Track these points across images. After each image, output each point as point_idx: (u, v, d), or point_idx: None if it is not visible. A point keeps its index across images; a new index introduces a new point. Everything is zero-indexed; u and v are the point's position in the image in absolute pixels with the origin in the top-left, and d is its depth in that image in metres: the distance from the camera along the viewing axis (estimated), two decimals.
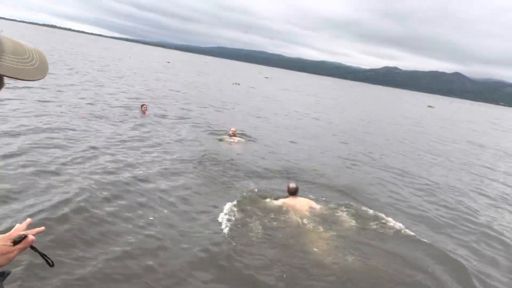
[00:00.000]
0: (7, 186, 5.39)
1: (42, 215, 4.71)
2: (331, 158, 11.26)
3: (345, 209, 6.44)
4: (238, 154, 9.62)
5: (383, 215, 6.38)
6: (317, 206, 6.23)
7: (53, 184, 5.73)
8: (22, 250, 1.27)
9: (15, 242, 1.25)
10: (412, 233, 5.86)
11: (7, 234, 1.29)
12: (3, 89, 0.91)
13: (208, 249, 4.60)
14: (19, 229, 1.33)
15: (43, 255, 1.36)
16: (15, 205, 4.89)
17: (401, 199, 8.08)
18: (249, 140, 11.75)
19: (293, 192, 6.25)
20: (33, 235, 1.31)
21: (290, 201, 6.16)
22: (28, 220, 1.39)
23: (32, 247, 1.31)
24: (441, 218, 7.28)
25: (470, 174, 12.22)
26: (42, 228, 1.41)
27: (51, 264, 1.36)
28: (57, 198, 5.25)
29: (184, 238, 4.81)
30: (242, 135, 12.13)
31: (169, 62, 67.42)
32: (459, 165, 13.45)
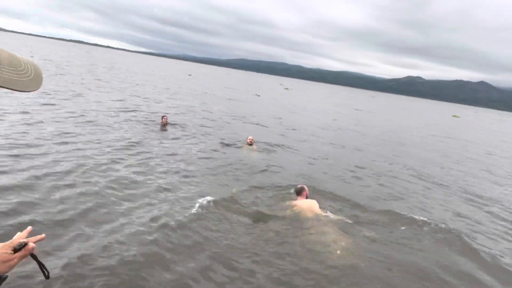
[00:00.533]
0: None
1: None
2: (348, 167, 11.06)
3: (357, 217, 6.53)
4: (254, 162, 9.77)
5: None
6: (319, 210, 6.20)
7: (65, 190, 5.86)
8: (22, 258, 1.28)
9: (16, 249, 1.26)
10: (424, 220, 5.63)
11: (9, 242, 1.30)
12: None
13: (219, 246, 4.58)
14: (20, 237, 1.35)
15: (41, 265, 1.37)
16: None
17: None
18: (267, 149, 11.85)
19: (298, 193, 6.50)
20: (34, 242, 1.32)
21: (296, 201, 6.39)
22: (29, 228, 1.41)
23: (32, 255, 1.32)
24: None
25: None
26: (43, 235, 1.41)
27: (47, 276, 1.37)
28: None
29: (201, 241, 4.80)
30: (265, 144, 12.33)
31: (190, 75, 68.59)
32: None
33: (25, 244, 1.28)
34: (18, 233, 1.37)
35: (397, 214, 6.93)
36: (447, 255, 5.59)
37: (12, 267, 1.25)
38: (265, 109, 25.51)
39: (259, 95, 39.48)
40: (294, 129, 17.56)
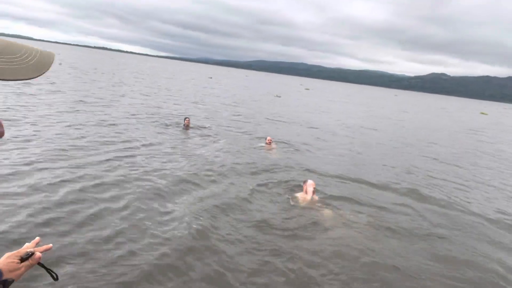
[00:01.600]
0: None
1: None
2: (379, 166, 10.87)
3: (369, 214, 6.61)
4: (272, 161, 9.90)
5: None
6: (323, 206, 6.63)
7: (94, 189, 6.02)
8: (30, 267, 1.31)
9: (23, 259, 1.30)
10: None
11: (16, 251, 1.33)
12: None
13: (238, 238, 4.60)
14: (28, 247, 1.37)
15: (48, 270, 1.40)
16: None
17: None
18: (287, 149, 11.88)
19: (306, 186, 6.83)
20: (41, 252, 1.36)
21: (302, 195, 6.82)
22: (37, 238, 1.44)
23: (39, 263, 1.35)
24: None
25: None
26: (50, 245, 1.44)
27: (55, 278, 1.41)
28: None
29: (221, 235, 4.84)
30: (286, 144, 12.40)
31: (211, 78, 69.26)
32: None
33: (32, 253, 1.32)
34: (26, 244, 1.40)
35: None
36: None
37: (19, 276, 1.28)
38: (287, 110, 25.43)
39: (279, 96, 39.41)
40: (315, 129, 17.42)
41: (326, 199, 7.08)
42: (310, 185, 6.81)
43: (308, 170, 9.31)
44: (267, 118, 19.37)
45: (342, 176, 9.23)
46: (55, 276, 1.41)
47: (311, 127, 17.98)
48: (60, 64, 43.76)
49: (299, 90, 67.72)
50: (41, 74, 0.88)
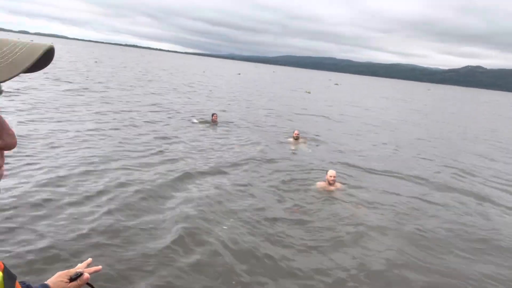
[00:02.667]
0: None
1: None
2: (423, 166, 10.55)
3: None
4: (298, 155, 10.21)
5: None
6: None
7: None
8: (78, 287, 1.34)
9: (72, 279, 1.33)
10: None
11: (66, 271, 1.36)
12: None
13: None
14: (79, 267, 1.40)
15: None
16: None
17: None
18: (316, 143, 12.05)
19: (328, 178, 7.19)
20: (90, 273, 1.39)
21: (322, 185, 7.24)
22: (89, 260, 1.47)
23: (88, 283, 1.38)
24: None
25: None
26: (99, 267, 1.47)
27: None
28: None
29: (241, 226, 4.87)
30: (315, 139, 12.59)
31: (239, 74, 69.51)
32: None
33: (81, 274, 1.34)
34: (79, 264, 1.43)
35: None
36: None
37: None
38: (318, 106, 25.15)
39: (309, 92, 39.01)
40: (347, 124, 17.14)
41: (350, 190, 7.39)
42: (331, 175, 7.18)
43: (332, 163, 9.38)
44: (297, 114, 19.27)
45: (372, 170, 9.29)
46: None
47: (341, 122, 17.71)
48: (95, 62, 45.34)
49: (329, 85, 66.77)
50: (21, 72, 0.70)
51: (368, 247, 5.19)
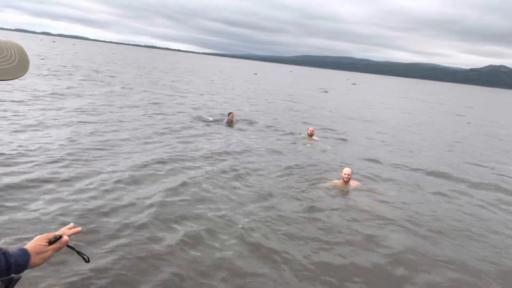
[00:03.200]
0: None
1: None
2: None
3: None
4: (312, 153, 10.26)
5: None
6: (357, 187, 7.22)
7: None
8: (57, 250, 1.31)
9: (51, 242, 1.30)
10: None
11: (45, 235, 1.33)
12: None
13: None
14: (60, 231, 1.36)
15: (79, 253, 1.39)
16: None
17: None
18: (331, 141, 12.07)
19: (343, 176, 7.19)
20: (69, 235, 1.35)
21: (336, 182, 7.29)
22: (71, 225, 1.43)
23: (69, 246, 1.35)
24: None
25: None
26: (79, 229, 1.43)
27: (87, 260, 1.39)
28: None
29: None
30: (327, 137, 12.60)
31: (256, 74, 69.57)
32: None
33: (60, 237, 1.31)
34: (61, 229, 1.39)
35: None
36: None
37: (45, 259, 1.28)
38: (334, 106, 24.98)
39: (327, 91, 38.76)
40: (360, 122, 16.98)
41: (365, 189, 7.39)
42: (345, 173, 7.16)
43: (344, 163, 9.24)
44: (314, 112, 19.19)
45: (389, 169, 9.18)
46: (86, 259, 1.39)
47: (356, 120, 17.54)
48: (116, 63, 46.23)
49: (346, 84, 66.14)
50: (25, 73, 0.84)
51: (380, 246, 5.16)
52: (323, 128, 14.42)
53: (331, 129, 14.48)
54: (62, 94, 15.41)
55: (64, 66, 30.16)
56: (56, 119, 10.61)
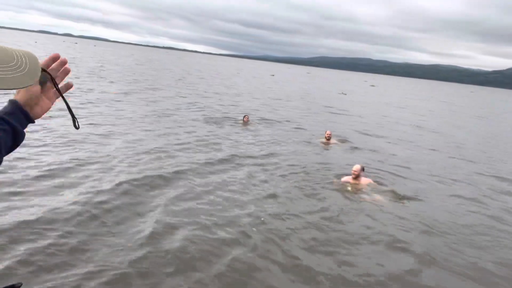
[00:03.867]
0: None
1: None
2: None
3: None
4: (328, 156, 10.15)
5: None
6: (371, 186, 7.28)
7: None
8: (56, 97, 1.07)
9: (41, 82, 1.03)
10: None
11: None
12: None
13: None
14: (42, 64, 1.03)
15: (73, 116, 1.09)
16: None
17: None
18: (349, 145, 11.79)
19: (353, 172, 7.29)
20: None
21: (345, 179, 7.44)
22: (54, 54, 1.07)
23: (65, 102, 1.07)
24: None
25: None
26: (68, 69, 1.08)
27: (77, 127, 1.08)
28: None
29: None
30: (346, 141, 12.34)
31: (273, 75, 69.47)
32: None
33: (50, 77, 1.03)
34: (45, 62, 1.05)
35: None
36: None
37: (47, 108, 1.06)
38: (353, 108, 24.65)
39: (345, 94, 38.34)
40: (378, 125, 16.65)
41: (375, 185, 7.45)
42: (355, 169, 7.23)
43: (353, 163, 8.97)
44: (332, 115, 18.94)
45: (407, 172, 8.94)
46: (77, 124, 1.09)
47: (373, 123, 17.21)
48: (136, 65, 46.98)
49: (364, 86, 65.32)
50: (36, 82, 0.84)
51: (381, 244, 5.20)
52: (341, 131, 14.12)
53: (349, 132, 14.17)
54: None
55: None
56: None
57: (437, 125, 20.32)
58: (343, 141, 12.25)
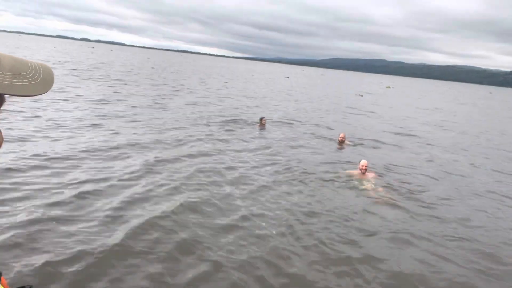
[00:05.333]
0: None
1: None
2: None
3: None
4: (340, 157, 10.11)
5: None
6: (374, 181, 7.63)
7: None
8: None
9: None
10: None
11: None
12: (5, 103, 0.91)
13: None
14: None
15: None
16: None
17: None
18: (363, 147, 11.73)
19: (360, 168, 7.83)
20: None
21: (351, 171, 8.01)
22: None
23: None
24: None
25: None
26: None
27: None
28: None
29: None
30: (361, 144, 12.22)
31: (288, 77, 69.38)
32: None
33: None
34: None
35: None
36: None
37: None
38: (371, 109, 24.46)
39: (361, 95, 38.05)
40: (396, 128, 16.49)
41: (381, 181, 7.84)
42: (362, 164, 7.79)
43: (375, 165, 9.04)
44: (347, 117, 18.86)
45: (421, 174, 8.88)
46: None
47: (391, 125, 17.05)
48: (152, 68, 47.64)
49: (380, 88, 64.62)
50: (47, 91, 0.93)
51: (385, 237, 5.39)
52: (357, 135, 14.06)
53: (366, 136, 14.06)
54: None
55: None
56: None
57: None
58: (358, 144, 12.08)
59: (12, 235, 4.23)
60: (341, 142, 11.47)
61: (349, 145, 11.66)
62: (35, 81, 0.88)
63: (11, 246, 4.06)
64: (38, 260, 3.86)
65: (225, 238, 4.83)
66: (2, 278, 0.99)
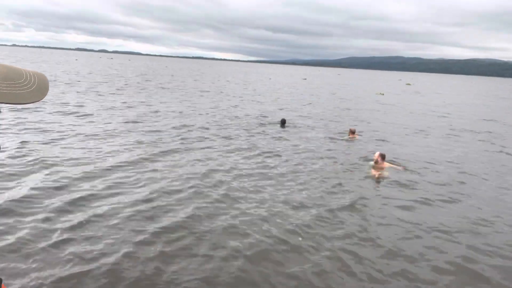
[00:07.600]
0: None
1: None
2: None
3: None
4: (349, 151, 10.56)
5: None
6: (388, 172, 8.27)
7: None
8: None
9: None
10: None
11: None
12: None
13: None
14: None
15: None
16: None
17: None
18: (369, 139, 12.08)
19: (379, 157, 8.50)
20: None
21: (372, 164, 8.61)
22: None
23: None
24: None
25: None
26: None
27: None
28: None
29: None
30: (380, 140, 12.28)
31: (305, 79, 69.01)
32: None
33: None
34: None
35: None
36: None
37: None
38: (393, 109, 23.97)
39: (382, 94, 37.41)
40: (421, 125, 16.04)
41: (395, 171, 8.31)
42: (375, 155, 8.51)
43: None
44: (370, 116, 18.52)
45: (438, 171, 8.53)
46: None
47: (417, 121, 16.60)
48: (172, 76, 48.30)
49: (400, 85, 63.39)
50: (42, 99, 0.95)
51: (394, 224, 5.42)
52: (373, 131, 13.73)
53: (383, 132, 13.72)
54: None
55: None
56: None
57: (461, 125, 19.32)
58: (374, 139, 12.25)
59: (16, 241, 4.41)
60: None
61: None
62: (30, 89, 0.90)
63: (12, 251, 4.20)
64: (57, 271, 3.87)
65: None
66: (2, 285, 1.05)
